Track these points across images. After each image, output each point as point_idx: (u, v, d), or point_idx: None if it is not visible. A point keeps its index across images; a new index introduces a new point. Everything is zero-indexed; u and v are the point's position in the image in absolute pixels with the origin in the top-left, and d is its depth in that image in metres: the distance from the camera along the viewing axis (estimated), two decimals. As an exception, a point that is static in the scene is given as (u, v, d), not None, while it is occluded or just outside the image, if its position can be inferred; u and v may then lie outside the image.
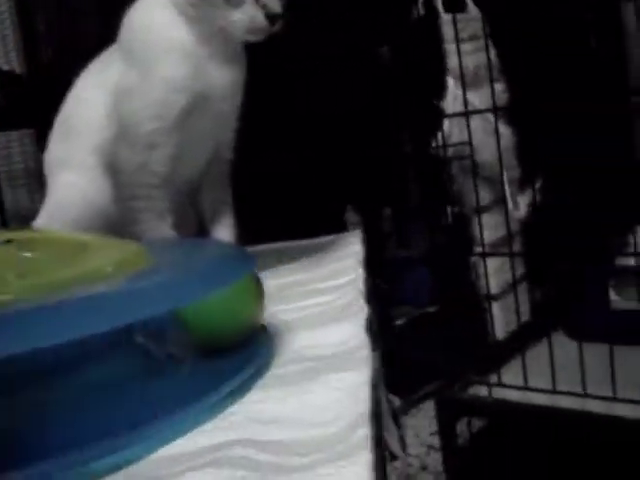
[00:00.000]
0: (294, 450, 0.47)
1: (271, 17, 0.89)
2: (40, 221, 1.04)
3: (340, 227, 2.17)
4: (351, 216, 2.21)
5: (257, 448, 0.48)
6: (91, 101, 1.00)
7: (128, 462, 0.48)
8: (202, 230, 1.07)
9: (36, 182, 3.51)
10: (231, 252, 0.69)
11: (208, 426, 0.53)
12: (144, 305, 0.51)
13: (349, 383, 0.56)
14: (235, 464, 0.46)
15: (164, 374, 0.63)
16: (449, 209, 1.88)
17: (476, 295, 1.79)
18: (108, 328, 0.48)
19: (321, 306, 0.81)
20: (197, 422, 0.53)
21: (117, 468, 0.47)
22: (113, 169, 0.98)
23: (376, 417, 0.53)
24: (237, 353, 0.65)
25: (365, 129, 2.01)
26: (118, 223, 0.99)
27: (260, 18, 0.89)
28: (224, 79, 0.95)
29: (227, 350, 0.62)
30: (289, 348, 0.69)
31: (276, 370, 0.63)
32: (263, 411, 0.54)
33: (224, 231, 1.04)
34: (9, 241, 0.62)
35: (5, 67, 3.15)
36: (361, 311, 0.76)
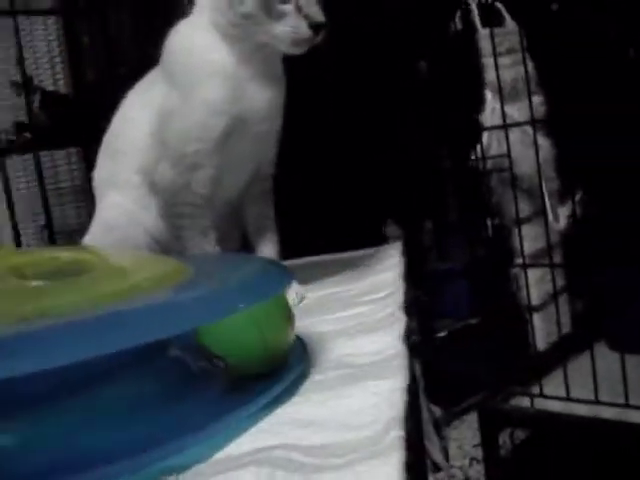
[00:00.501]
0: (331, 452, 0.50)
1: (315, 27, 0.91)
2: (88, 239, 1.07)
3: (381, 240, 2.19)
4: (392, 229, 2.23)
5: (297, 450, 0.50)
6: (136, 121, 1.03)
7: (179, 468, 0.50)
8: (246, 245, 1.10)
9: (83, 199, 3.60)
10: (269, 266, 0.71)
11: (251, 431, 0.55)
12: (179, 319, 0.53)
13: (385, 389, 0.59)
14: (275, 464, 0.48)
15: (201, 386, 0.65)
16: (489, 221, 1.88)
17: (517, 306, 1.79)
18: (142, 342, 0.50)
19: (361, 317, 0.84)
20: (240, 429, 0.55)
21: (170, 472, 0.49)
22: (157, 188, 1.01)
23: (415, 423, 0.55)
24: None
25: (404, 142, 2.03)
26: (164, 240, 1.03)
27: (304, 28, 0.91)
28: (264, 101, 0.97)
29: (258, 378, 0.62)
30: (328, 356, 0.71)
31: (315, 376, 0.65)
32: (302, 415, 0.57)
33: (268, 246, 1.06)
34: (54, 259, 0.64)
35: (51, 87, 3.25)
36: (399, 322, 0.78)
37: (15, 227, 3.28)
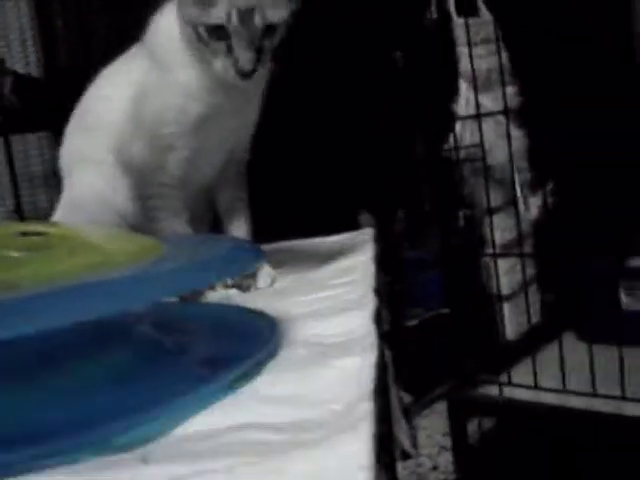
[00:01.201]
0: (300, 427, 0.50)
1: (242, 74, 0.90)
2: (56, 218, 1.06)
3: (354, 229, 2.20)
4: (364, 218, 2.23)
5: (266, 428, 0.50)
6: (112, 97, 1.02)
7: (146, 439, 0.50)
8: (216, 227, 1.10)
9: (54, 184, 3.56)
10: (243, 245, 0.71)
11: (218, 407, 0.55)
12: (153, 290, 0.53)
13: (353, 366, 0.59)
14: (245, 443, 0.48)
15: (171, 361, 0.64)
16: (461, 211, 1.89)
17: (487, 296, 1.80)
18: (117, 311, 0.51)
19: (332, 299, 0.84)
20: (207, 403, 0.55)
21: (137, 444, 0.49)
22: (130, 168, 1.00)
23: (384, 403, 0.55)
24: (246, 340, 0.68)
25: (378, 131, 2.03)
26: (134, 222, 1.02)
27: (232, 72, 0.91)
28: (242, 91, 0.97)
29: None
30: (297, 336, 0.71)
31: (284, 355, 0.65)
32: (270, 392, 0.57)
33: (239, 228, 1.06)
34: (24, 234, 0.64)
35: (22, 71, 3.21)
36: (369, 303, 0.78)
37: (-18, 211, 3.26)
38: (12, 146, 3.07)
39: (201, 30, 0.91)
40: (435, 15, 1.72)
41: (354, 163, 2.07)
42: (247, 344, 0.67)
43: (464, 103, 1.71)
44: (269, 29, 0.91)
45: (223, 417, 0.53)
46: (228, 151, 1.03)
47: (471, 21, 1.70)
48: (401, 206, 2.27)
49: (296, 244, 1.25)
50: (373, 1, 2.03)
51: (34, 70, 3.31)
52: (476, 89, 1.62)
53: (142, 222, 1.01)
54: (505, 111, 1.62)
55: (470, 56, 1.60)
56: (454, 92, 1.72)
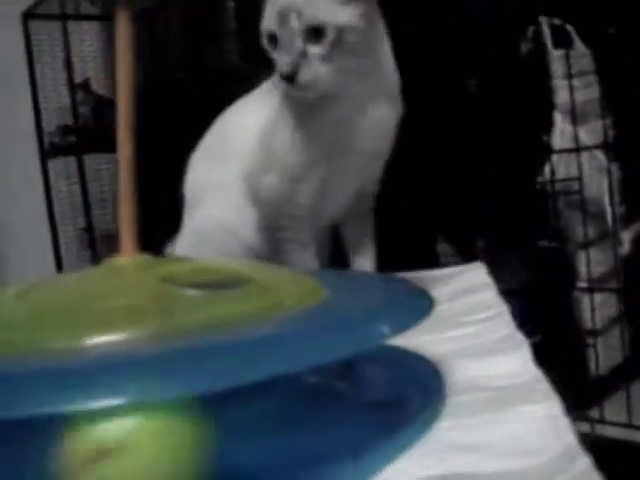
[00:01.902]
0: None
1: (281, 76, 0.88)
2: (179, 249, 1.06)
3: (433, 258, 2.18)
4: (442, 247, 2.22)
5: (470, 478, 0.50)
6: (245, 126, 1.02)
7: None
8: (336, 258, 1.10)
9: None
10: (409, 288, 0.70)
11: (412, 457, 0.54)
12: (328, 349, 0.51)
13: (543, 415, 0.58)
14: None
15: (344, 407, 0.64)
16: (544, 243, 1.88)
17: (576, 330, 1.78)
18: (291, 370, 0.49)
19: (475, 337, 0.83)
20: (397, 453, 0.54)
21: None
22: (259, 199, 1.01)
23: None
24: (412, 382, 0.67)
25: (461, 160, 2.02)
26: (261, 253, 1.02)
27: (276, 80, 0.90)
28: (370, 120, 0.96)
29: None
30: (457, 377, 0.70)
31: (453, 399, 0.65)
32: (460, 440, 0.56)
33: (365, 263, 1.05)
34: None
35: (101, 91, 3.27)
36: (522, 344, 0.78)
37: (54, 229, 3.31)
38: (85, 165, 3.14)
39: (264, 39, 0.91)
40: (531, 46, 1.71)
41: (433, 191, 2.06)
42: (414, 387, 0.66)
43: (559, 135, 1.70)
44: (316, 31, 0.86)
45: (419, 467, 0.52)
46: (358, 184, 1.02)
47: (566, 53, 1.70)
48: (480, 235, 2.25)
49: (407, 277, 1.24)
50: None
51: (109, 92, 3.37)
52: (575, 122, 1.61)
53: (270, 254, 1.01)
54: (604, 145, 1.61)
55: (570, 88, 1.59)
56: (549, 124, 1.71)
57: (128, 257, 0.67)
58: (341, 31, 0.87)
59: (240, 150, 1.02)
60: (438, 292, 1.06)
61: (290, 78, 0.87)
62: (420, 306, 0.61)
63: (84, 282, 0.65)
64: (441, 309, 0.96)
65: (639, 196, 1.76)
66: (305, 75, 0.87)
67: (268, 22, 0.89)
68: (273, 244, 1.00)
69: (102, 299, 0.57)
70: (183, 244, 1.07)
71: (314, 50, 0.87)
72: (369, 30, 0.91)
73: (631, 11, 1.75)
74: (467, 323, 0.89)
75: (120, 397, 0.41)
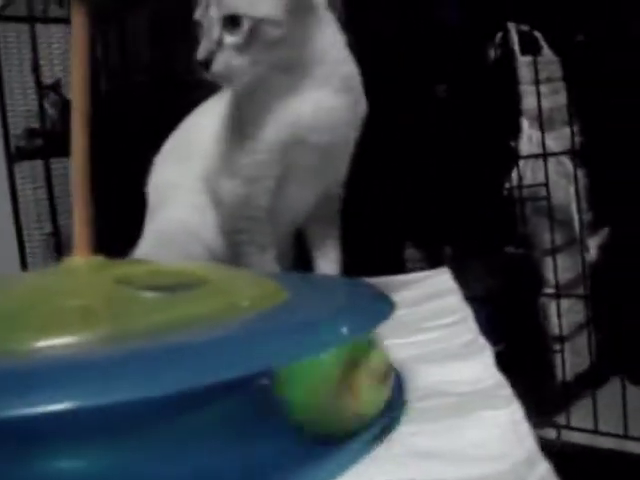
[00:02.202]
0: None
1: (197, 62, 0.87)
2: (140, 252, 1.04)
3: (399, 263, 2.18)
4: (410, 253, 2.22)
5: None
6: (205, 127, 1.01)
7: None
8: (301, 263, 1.08)
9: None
10: (369, 291, 0.69)
11: (372, 460, 0.53)
12: (284, 349, 0.50)
13: (504, 420, 0.57)
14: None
15: None
16: (511, 249, 1.88)
17: (543, 336, 1.78)
18: (245, 373, 0.48)
19: (438, 343, 0.82)
20: (357, 457, 0.53)
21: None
22: (217, 201, 0.99)
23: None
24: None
25: (429, 165, 2.01)
26: (222, 256, 1.00)
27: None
28: (317, 111, 0.93)
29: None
30: (419, 383, 0.69)
31: (415, 404, 0.64)
32: (421, 446, 0.55)
33: (329, 266, 1.04)
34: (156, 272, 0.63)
35: (69, 95, 3.24)
36: (485, 349, 0.77)
37: (20, 233, 3.26)
38: (52, 169, 3.09)
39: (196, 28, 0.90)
40: (498, 53, 1.72)
41: (400, 196, 2.05)
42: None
43: (526, 141, 1.70)
44: (232, 21, 0.86)
45: (380, 472, 0.51)
46: (320, 184, 1.00)
47: (534, 60, 1.70)
48: (447, 241, 2.25)
49: (373, 282, 1.23)
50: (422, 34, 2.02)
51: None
52: (542, 128, 1.61)
53: (231, 258, 0.99)
54: (571, 151, 1.61)
55: (538, 94, 1.59)
56: (516, 130, 1.71)
57: (82, 258, 0.66)
58: (258, 22, 0.86)
59: (200, 151, 1.01)
60: (402, 297, 1.06)
61: (205, 65, 0.86)
62: (380, 309, 0.60)
63: (37, 282, 0.63)
64: (404, 314, 0.96)
65: (605, 203, 1.77)
66: (218, 64, 0.86)
67: (196, 11, 0.89)
68: (233, 247, 0.98)
69: (54, 300, 0.56)
70: (144, 247, 1.04)
71: (229, 39, 0.86)
72: (297, 22, 0.89)
73: (599, 19, 1.76)
74: (430, 328, 0.89)
75: (60, 403, 0.39)
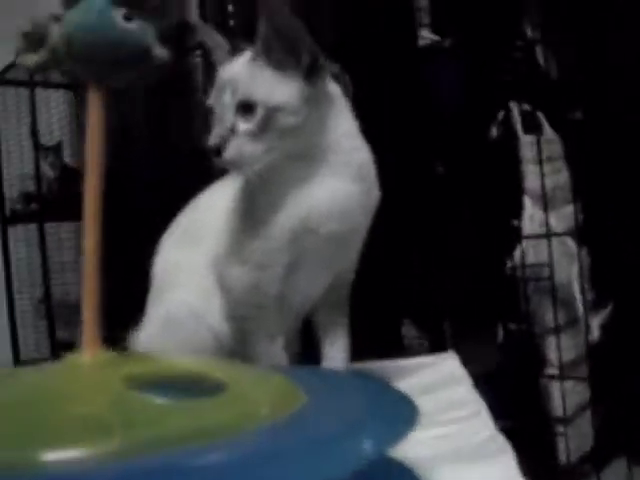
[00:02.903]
0: None
1: (209, 149, 0.86)
2: (145, 335, 1.01)
3: (397, 341, 2.15)
4: (407, 329, 2.19)
5: None
6: (215, 209, 0.99)
7: None
8: (307, 346, 1.06)
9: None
10: (393, 395, 0.66)
11: None
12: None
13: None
14: None
15: None
16: (512, 327, 1.86)
17: (546, 418, 1.75)
18: None
19: (452, 440, 0.79)
20: None
21: None
22: (224, 287, 0.97)
23: None
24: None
25: (430, 242, 2.01)
26: (228, 343, 0.97)
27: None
28: (332, 200, 0.91)
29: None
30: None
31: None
32: None
33: (338, 354, 1.01)
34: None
35: (66, 159, 3.25)
36: (505, 450, 0.74)
37: (10, 298, 3.23)
38: (46, 234, 3.07)
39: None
40: (499, 132, 1.73)
41: (400, 273, 2.04)
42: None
43: (528, 220, 1.70)
44: (246, 107, 0.85)
45: None
46: (332, 271, 0.98)
47: (535, 139, 1.71)
48: (448, 319, 2.22)
49: (375, 366, 1.20)
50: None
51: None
52: (547, 208, 1.61)
53: (237, 344, 0.96)
54: (576, 231, 1.62)
55: (542, 174, 1.60)
56: (518, 209, 1.71)
57: (90, 353, 0.63)
58: (273, 110, 0.85)
59: (209, 234, 0.98)
60: (409, 384, 1.03)
61: (217, 152, 0.85)
62: (405, 419, 0.57)
63: (42, 384, 0.60)
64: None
65: (607, 282, 1.76)
66: (231, 150, 0.85)
67: (210, 97, 0.88)
68: (240, 334, 0.96)
69: (64, 407, 0.53)
70: (150, 328, 1.01)
71: (243, 126, 0.85)
72: (313, 111, 0.88)
73: (596, 97, 1.78)
74: (443, 422, 0.86)
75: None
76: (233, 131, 0.85)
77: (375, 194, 0.97)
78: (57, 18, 0.69)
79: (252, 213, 0.93)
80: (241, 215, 0.95)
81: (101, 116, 0.66)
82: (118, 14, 0.65)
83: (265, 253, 0.91)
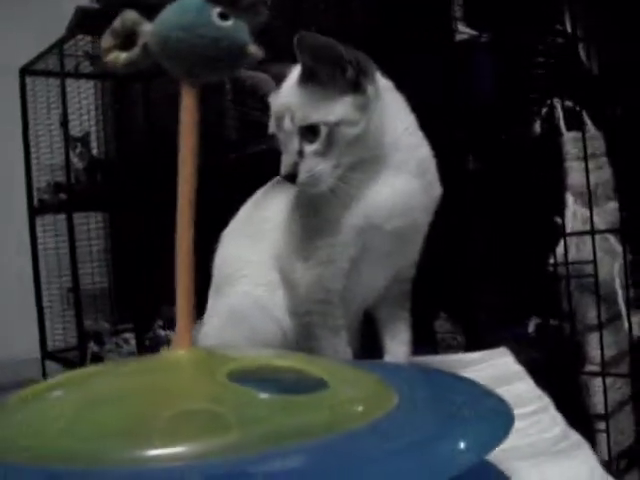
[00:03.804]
0: None
1: (283, 177, 0.90)
2: (210, 328, 1.03)
3: (430, 335, 2.15)
4: (438, 324, 2.20)
5: None
6: (279, 205, 1.01)
7: None
8: (366, 341, 1.06)
9: (103, 264, 3.56)
10: (484, 397, 0.66)
11: None
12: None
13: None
14: None
15: None
16: (553, 323, 1.86)
17: (586, 414, 1.75)
18: None
19: (526, 436, 0.80)
20: None
21: None
22: (287, 283, 0.98)
23: None
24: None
25: (471, 237, 2.00)
26: (293, 336, 0.99)
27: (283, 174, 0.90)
28: (393, 196, 0.94)
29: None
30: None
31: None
32: None
33: (399, 348, 1.02)
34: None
35: (95, 149, 3.26)
36: (583, 446, 0.75)
37: (38, 287, 3.25)
38: (74, 224, 3.08)
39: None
40: (542, 129, 1.73)
41: (437, 267, 2.03)
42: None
43: (571, 217, 1.69)
44: (309, 130, 0.88)
45: None
46: (393, 268, 0.99)
47: (579, 136, 1.70)
48: (481, 313, 2.22)
49: (432, 361, 1.21)
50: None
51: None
52: (591, 205, 1.61)
53: (301, 338, 0.97)
54: (620, 229, 1.61)
55: (587, 171, 1.60)
56: (561, 205, 1.71)
57: (184, 348, 0.64)
58: (334, 126, 0.88)
59: (272, 229, 1.00)
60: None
61: (291, 178, 0.88)
62: (500, 419, 0.58)
63: (146, 379, 0.61)
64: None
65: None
66: (303, 174, 0.88)
67: (270, 126, 0.91)
68: (304, 329, 0.97)
69: (172, 401, 0.54)
70: (215, 323, 1.02)
71: (310, 148, 0.88)
72: (370, 116, 0.90)
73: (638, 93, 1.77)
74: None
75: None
76: (301, 155, 0.88)
77: (437, 189, 0.98)
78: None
79: (316, 210, 0.94)
80: (304, 212, 0.96)
81: (195, 113, 0.67)
82: (214, 13, 0.65)
83: (330, 249, 0.93)
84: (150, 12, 0.69)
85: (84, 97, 3.27)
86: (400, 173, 0.94)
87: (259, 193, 1.06)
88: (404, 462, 0.49)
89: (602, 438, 1.74)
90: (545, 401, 0.92)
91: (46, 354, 3.30)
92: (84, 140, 3.19)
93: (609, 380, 1.73)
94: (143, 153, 3.09)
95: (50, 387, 0.64)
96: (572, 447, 0.75)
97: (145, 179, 2.92)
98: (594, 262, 1.59)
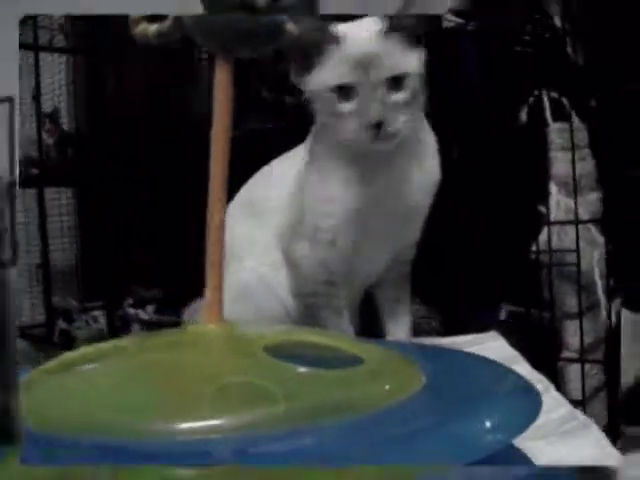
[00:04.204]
0: None
1: (371, 126, 0.87)
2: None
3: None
4: (416, 310, 2.21)
5: None
6: (280, 182, 1.02)
7: None
8: (365, 321, 1.08)
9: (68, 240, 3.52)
10: (512, 379, 0.67)
11: None
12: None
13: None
14: None
15: None
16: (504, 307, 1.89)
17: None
18: None
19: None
20: None
21: None
22: (290, 263, 0.98)
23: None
24: None
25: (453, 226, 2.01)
26: (296, 316, 1.00)
27: (363, 133, 0.88)
28: (398, 179, 0.95)
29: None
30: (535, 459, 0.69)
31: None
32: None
33: (400, 328, 1.04)
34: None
35: (66, 125, 3.21)
36: (591, 426, 0.77)
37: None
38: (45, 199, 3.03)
39: (326, 96, 0.89)
40: (526, 118, 1.74)
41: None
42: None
43: (555, 206, 1.72)
44: (396, 80, 0.88)
45: None
46: (393, 248, 1.01)
47: (563, 126, 1.73)
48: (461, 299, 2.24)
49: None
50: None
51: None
52: (576, 195, 1.64)
53: (304, 318, 0.98)
54: (601, 219, 1.64)
55: (573, 161, 1.62)
56: (544, 194, 1.73)
57: (213, 323, 0.65)
58: (418, 78, 0.88)
59: (276, 208, 1.01)
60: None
61: (378, 126, 0.86)
62: (529, 402, 0.59)
63: (179, 355, 0.61)
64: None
65: (626, 269, 1.79)
66: (391, 122, 0.87)
67: (339, 75, 0.88)
68: (307, 309, 0.98)
69: (214, 375, 0.54)
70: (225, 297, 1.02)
71: (396, 98, 0.87)
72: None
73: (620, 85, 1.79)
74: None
75: None
76: (387, 105, 0.86)
77: (436, 172, 0.99)
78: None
79: (318, 190, 0.94)
80: (307, 192, 0.96)
81: (229, 89, 0.67)
82: (253, -14, 0.65)
83: (333, 230, 0.94)
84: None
85: (57, 71, 3.21)
86: (401, 155, 0.95)
87: (261, 171, 1.06)
88: (437, 440, 0.50)
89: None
90: (545, 383, 0.94)
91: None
92: (53, 116, 3.13)
93: (586, 367, 1.77)
94: (115, 128, 3.05)
95: (77, 360, 0.64)
96: (580, 427, 0.77)
97: (116, 155, 2.89)
98: (577, 251, 1.62)
